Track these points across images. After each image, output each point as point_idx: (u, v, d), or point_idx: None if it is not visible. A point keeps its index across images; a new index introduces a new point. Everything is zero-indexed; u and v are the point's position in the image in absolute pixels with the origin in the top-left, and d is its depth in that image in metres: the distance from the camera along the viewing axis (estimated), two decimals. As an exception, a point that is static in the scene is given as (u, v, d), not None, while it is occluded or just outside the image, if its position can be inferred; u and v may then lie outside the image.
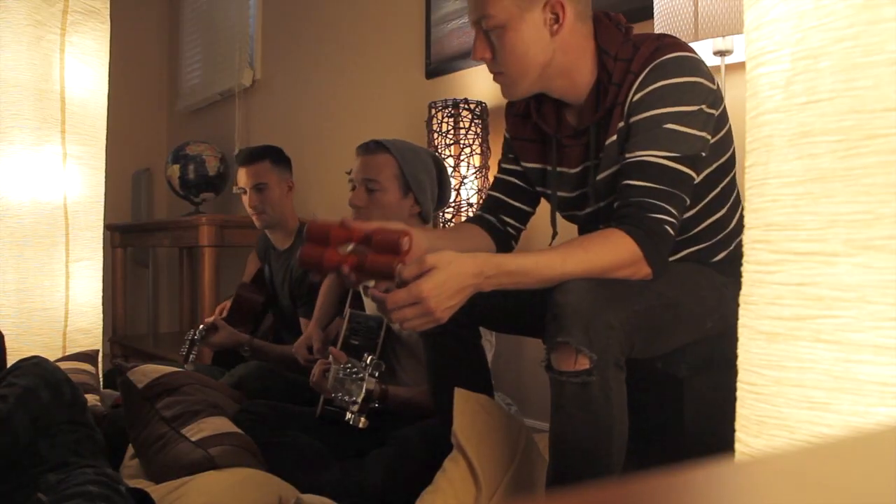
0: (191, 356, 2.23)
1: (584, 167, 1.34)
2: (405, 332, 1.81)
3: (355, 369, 1.59)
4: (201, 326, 2.28)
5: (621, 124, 1.25)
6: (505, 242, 1.46)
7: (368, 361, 1.59)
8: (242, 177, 2.36)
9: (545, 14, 1.24)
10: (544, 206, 1.50)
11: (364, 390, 1.56)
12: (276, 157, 2.40)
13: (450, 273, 1.06)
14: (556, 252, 1.14)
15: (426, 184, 1.83)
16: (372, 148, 1.81)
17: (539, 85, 1.31)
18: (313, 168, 3.23)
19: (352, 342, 1.83)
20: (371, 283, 1.23)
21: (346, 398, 1.58)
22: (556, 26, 1.24)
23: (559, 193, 1.39)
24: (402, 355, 1.87)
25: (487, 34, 1.27)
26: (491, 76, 1.34)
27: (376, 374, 1.59)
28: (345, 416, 1.58)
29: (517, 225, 1.48)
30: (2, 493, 1.30)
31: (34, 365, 1.45)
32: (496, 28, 1.25)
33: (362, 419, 1.58)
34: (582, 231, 1.46)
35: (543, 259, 1.12)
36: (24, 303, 2.12)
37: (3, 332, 1.75)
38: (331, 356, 1.68)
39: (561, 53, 1.27)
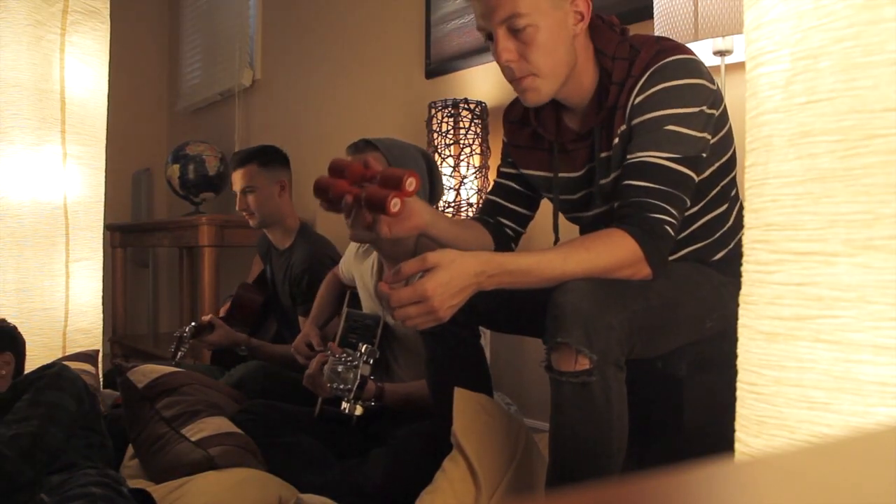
0: (178, 354, 2.21)
1: (588, 169, 1.34)
2: (402, 329, 1.81)
3: (350, 358, 1.60)
4: (192, 324, 2.27)
5: (623, 127, 1.25)
6: (504, 245, 1.46)
7: (363, 350, 1.60)
8: (235, 180, 2.40)
9: (572, 11, 1.23)
10: (545, 208, 1.50)
11: (359, 376, 1.57)
12: (264, 158, 2.39)
13: (453, 272, 1.07)
14: (558, 252, 1.14)
15: None
16: (361, 146, 1.81)
17: (563, 85, 1.28)
18: (313, 168, 3.22)
19: (349, 340, 1.84)
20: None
21: (342, 386, 1.58)
22: (580, 24, 1.24)
23: (562, 197, 1.39)
24: (400, 353, 1.87)
25: (516, 35, 1.21)
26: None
27: (370, 362, 1.60)
28: (341, 406, 1.59)
29: (517, 228, 1.48)
30: (5, 493, 1.30)
31: (56, 375, 1.46)
32: (528, 27, 1.19)
33: (358, 406, 1.58)
34: (584, 233, 1.46)
35: (545, 258, 1.12)
36: (24, 303, 2.12)
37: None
38: (329, 352, 1.69)
39: (574, 53, 1.26)
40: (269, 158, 2.41)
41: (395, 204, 1.17)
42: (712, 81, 1.24)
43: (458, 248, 1.35)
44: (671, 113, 1.19)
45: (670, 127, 1.19)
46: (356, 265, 1.97)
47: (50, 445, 1.36)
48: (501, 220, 1.47)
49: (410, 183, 1.18)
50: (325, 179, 1.26)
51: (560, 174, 1.37)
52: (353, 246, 2.01)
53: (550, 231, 1.44)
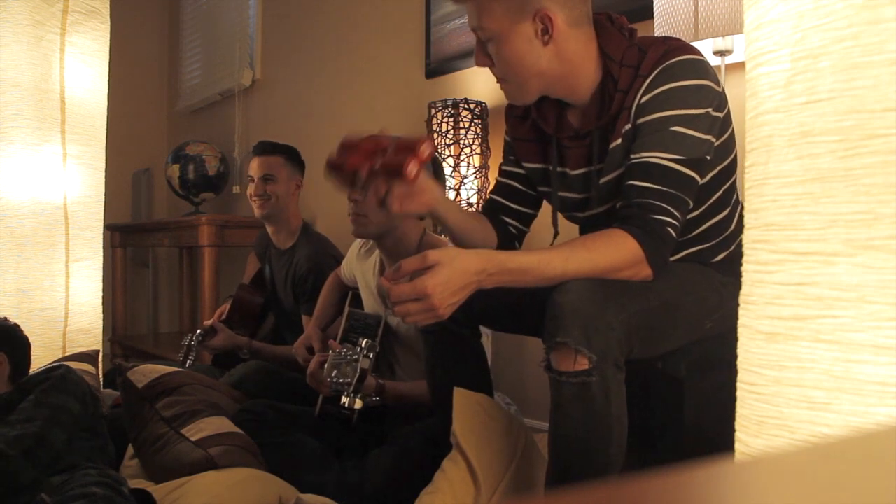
0: (188, 361, 2.23)
1: (586, 170, 1.34)
2: (403, 328, 1.81)
3: (350, 353, 1.60)
4: (199, 331, 2.29)
5: (628, 126, 1.25)
6: (508, 244, 1.46)
7: (363, 344, 1.61)
8: (254, 166, 2.42)
9: (535, 25, 1.24)
10: (547, 207, 1.50)
11: (358, 370, 1.57)
12: (290, 154, 2.46)
13: (453, 270, 1.07)
14: (559, 251, 1.14)
15: None
16: None
17: (541, 90, 1.31)
18: (314, 168, 3.22)
19: (351, 339, 1.84)
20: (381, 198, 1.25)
21: (341, 380, 1.59)
22: (546, 37, 1.25)
23: (560, 193, 1.39)
24: (401, 352, 1.87)
25: (485, 44, 1.29)
26: (490, 77, 1.35)
27: (370, 356, 1.60)
28: (340, 401, 1.59)
29: (520, 227, 1.48)
30: (8, 492, 1.30)
31: (61, 378, 1.47)
32: (491, 39, 1.27)
33: (357, 400, 1.59)
34: (583, 231, 1.46)
35: (546, 258, 1.12)
36: (24, 303, 2.11)
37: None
38: (330, 350, 1.70)
39: (557, 61, 1.27)
40: (294, 157, 2.47)
41: (412, 168, 1.16)
42: (718, 83, 1.23)
43: (463, 233, 1.36)
44: (677, 114, 1.19)
45: (675, 128, 1.19)
46: (358, 265, 1.97)
47: (53, 446, 1.36)
48: (504, 218, 1.47)
49: (425, 148, 1.17)
50: (340, 157, 1.26)
51: (558, 168, 1.38)
52: (355, 246, 2.01)
53: (549, 229, 1.44)
